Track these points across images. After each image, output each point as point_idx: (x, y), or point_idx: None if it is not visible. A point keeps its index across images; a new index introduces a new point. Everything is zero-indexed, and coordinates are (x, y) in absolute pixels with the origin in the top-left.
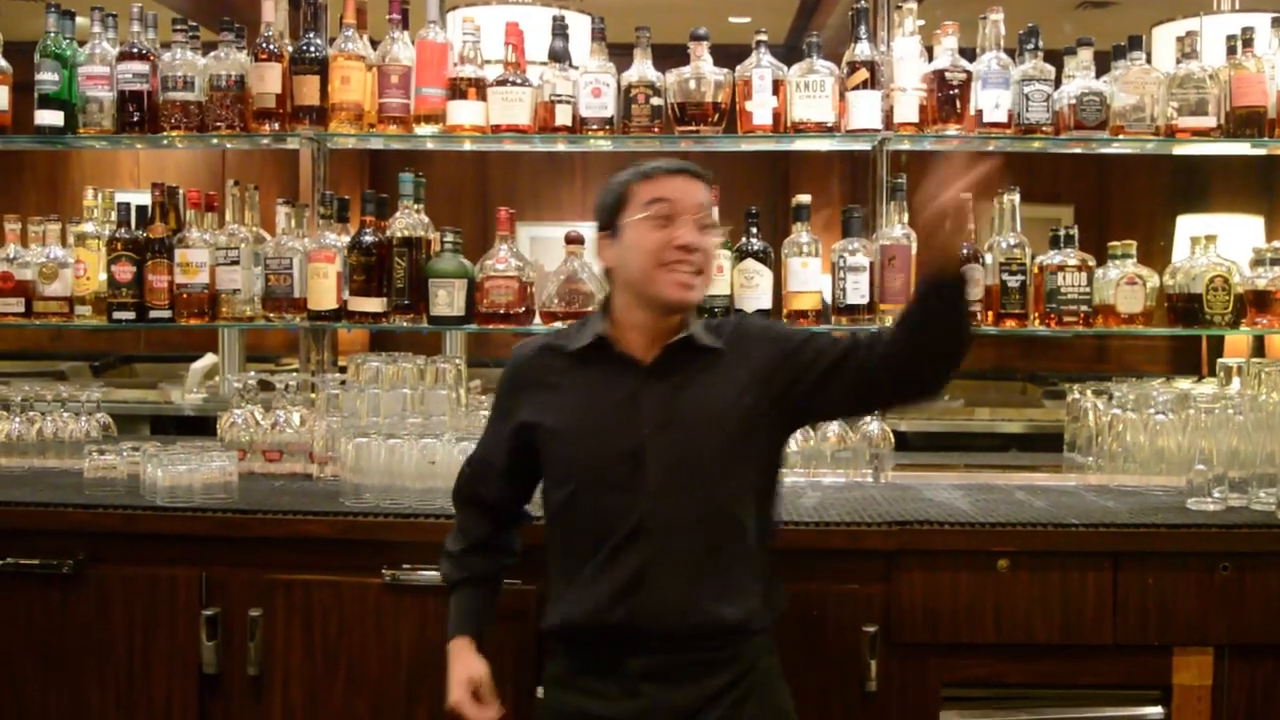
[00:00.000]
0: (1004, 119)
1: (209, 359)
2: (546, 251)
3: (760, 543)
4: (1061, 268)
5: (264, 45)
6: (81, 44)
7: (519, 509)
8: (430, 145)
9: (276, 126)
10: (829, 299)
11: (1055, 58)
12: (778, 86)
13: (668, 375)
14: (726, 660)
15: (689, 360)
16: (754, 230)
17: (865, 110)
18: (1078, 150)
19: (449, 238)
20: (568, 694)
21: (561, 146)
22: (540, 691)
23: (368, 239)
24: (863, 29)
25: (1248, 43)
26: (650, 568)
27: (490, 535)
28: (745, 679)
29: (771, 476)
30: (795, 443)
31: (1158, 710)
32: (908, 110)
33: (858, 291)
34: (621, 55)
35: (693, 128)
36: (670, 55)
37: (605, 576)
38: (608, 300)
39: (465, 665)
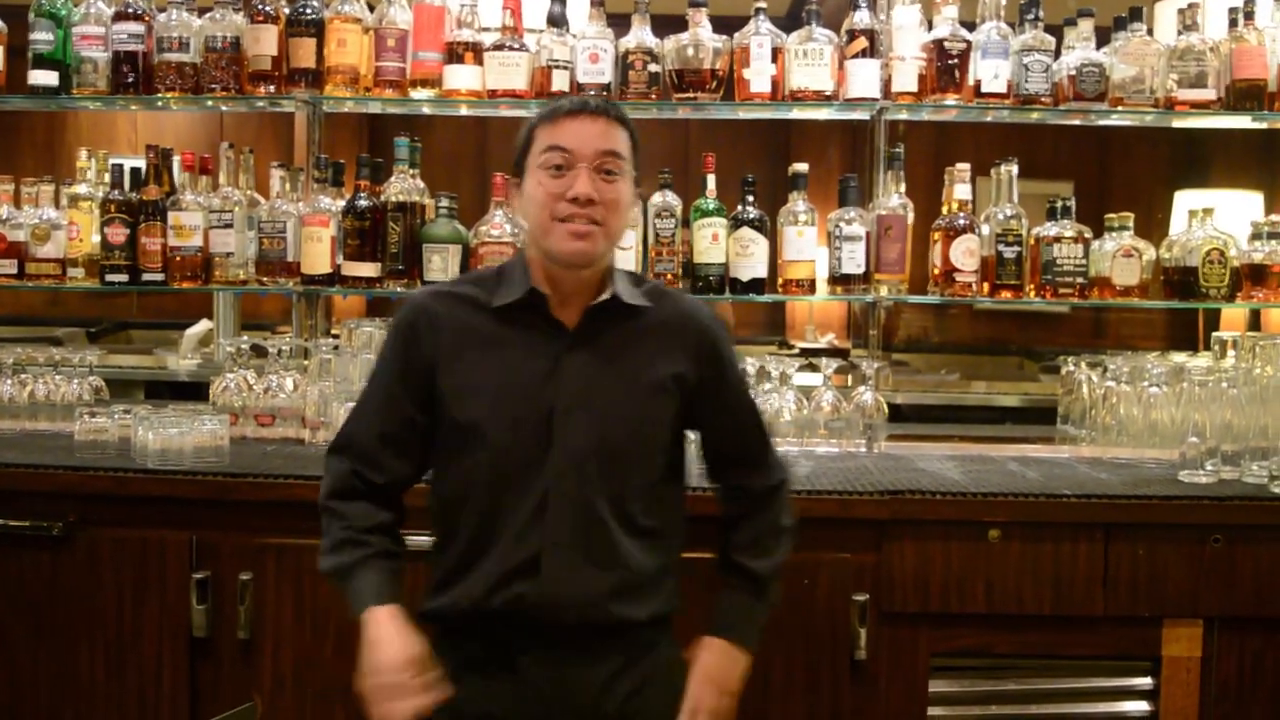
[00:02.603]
0: (1003, 89)
1: (204, 325)
2: None
3: (664, 534)
4: (1058, 239)
5: (260, 7)
6: (77, 4)
7: (402, 492)
8: (426, 110)
9: (272, 89)
10: (825, 269)
11: (1056, 29)
12: (776, 54)
13: (592, 343)
14: (618, 647)
15: (614, 323)
16: (750, 198)
17: (864, 79)
18: (1077, 123)
19: (444, 203)
20: (455, 688)
21: None
22: None
23: (362, 203)
24: None
25: (1249, 15)
26: (548, 552)
27: (386, 521)
28: (638, 665)
29: (677, 469)
30: (789, 412)
31: (1147, 681)
32: (906, 79)
33: (853, 261)
34: (620, 24)
35: (690, 95)
36: (670, 25)
37: (500, 559)
38: (523, 252)
39: (403, 642)
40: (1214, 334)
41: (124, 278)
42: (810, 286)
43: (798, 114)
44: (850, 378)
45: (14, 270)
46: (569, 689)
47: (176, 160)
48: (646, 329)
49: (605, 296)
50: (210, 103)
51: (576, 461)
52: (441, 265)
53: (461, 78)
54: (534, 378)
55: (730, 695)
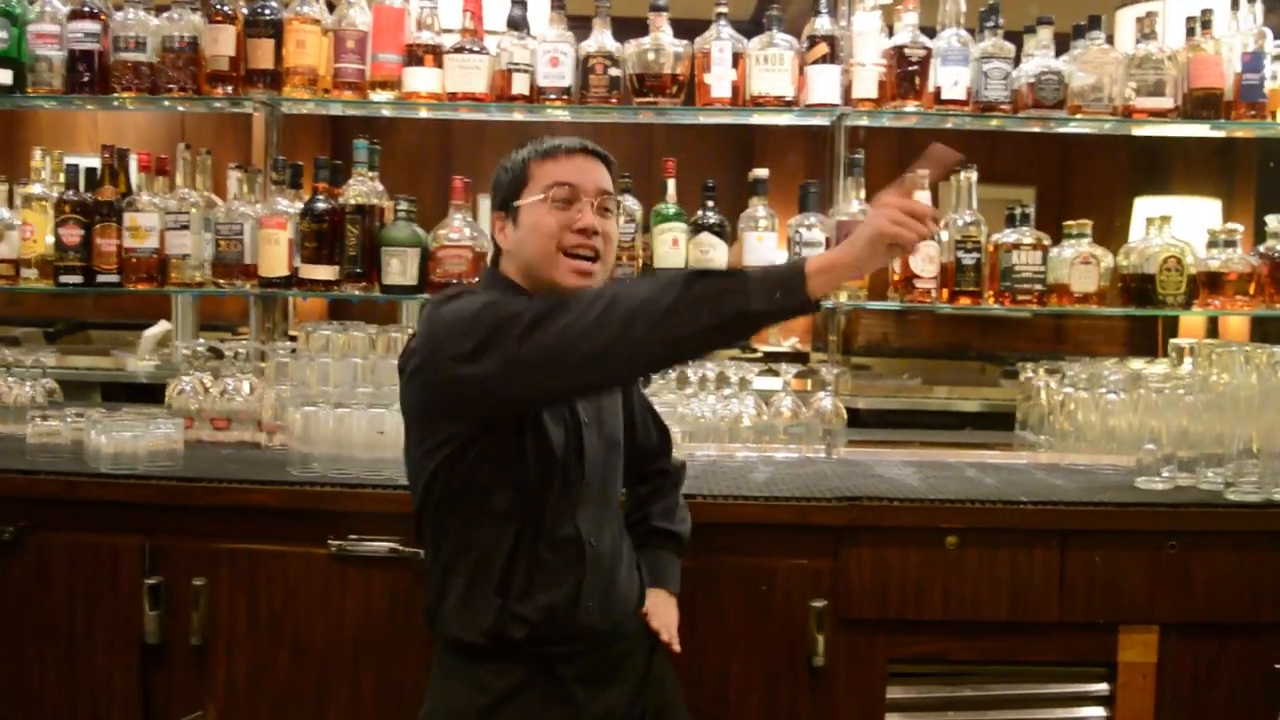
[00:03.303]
0: (962, 96)
1: (162, 326)
2: None
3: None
4: (1016, 246)
5: (218, 6)
6: (32, 2)
7: None
8: (386, 112)
9: (230, 90)
10: None
11: (1015, 37)
12: (737, 59)
13: None
14: (636, 650)
15: None
16: (710, 204)
17: (824, 85)
18: (1037, 129)
19: (403, 206)
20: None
21: (518, 115)
22: None
23: (320, 206)
24: (824, 3)
25: (1206, 24)
26: (588, 564)
27: None
28: (652, 665)
29: None
30: (748, 417)
31: (1103, 687)
32: (867, 86)
33: None
34: (581, 28)
35: (651, 99)
36: (631, 29)
37: (547, 577)
38: (504, 279)
39: None
40: (1171, 341)
41: (79, 279)
42: None
43: (758, 119)
44: (810, 383)
45: None
46: (611, 701)
47: (133, 160)
48: None
49: None
50: (167, 103)
51: (597, 475)
52: (400, 268)
53: (421, 80)
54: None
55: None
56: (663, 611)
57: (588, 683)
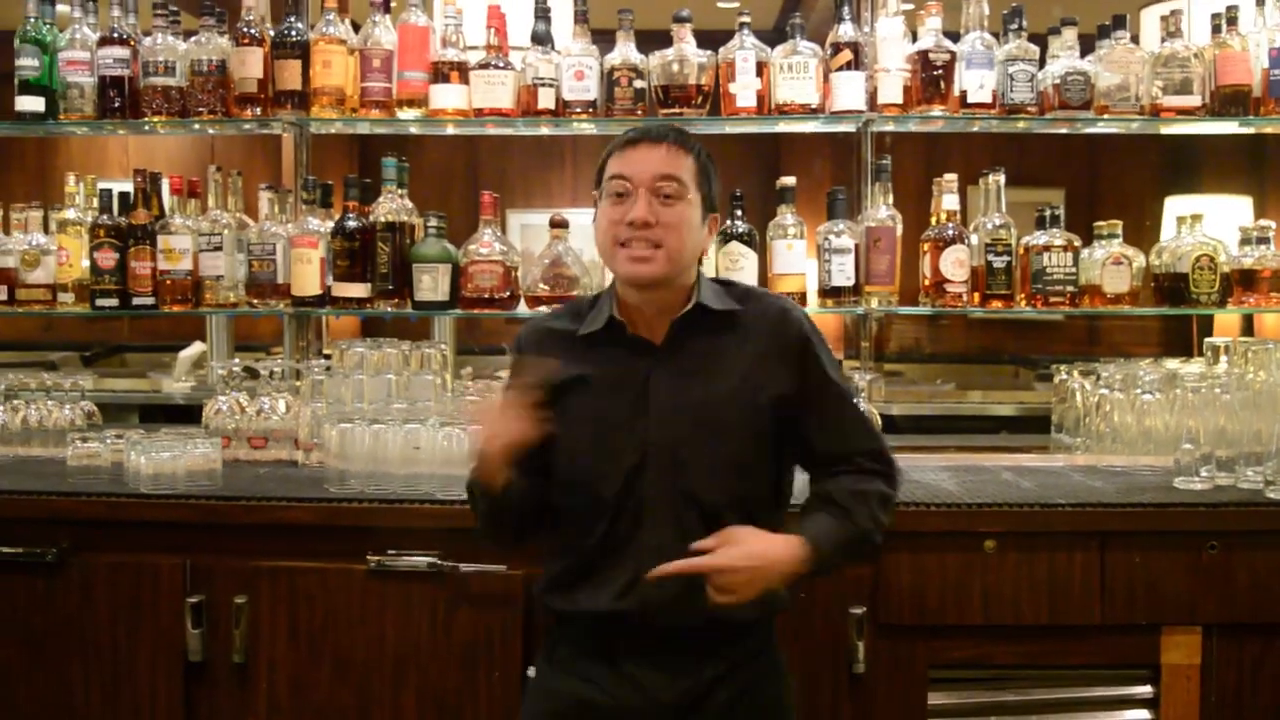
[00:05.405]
0: (988, 99)
1: (197, 347)
2: (535, 238)
3: None
4: (1047, 248)
5: (245, 29)
6: (62, 29)
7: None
8: (413, 129)
9: (258, 111)
10: (815, 281)
11: (1040, 39)
12: (761, 68)
13: (679, 354)
14: (722, 651)
15: (703, 334)
16: (739, 213)
17: (849, 91)
18: (1064, 131)
19: (433, 222)
20: (565, 678)
21: (544, 129)
22: (532, 671)
23: (351, 224)
24: (846, 10)
25: (1232, 21)
26: (651, 560)
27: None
28: (741, 670)
29: (779, 488)
30: None
31: (1147, 689)
32: (892, 91)
33: (843, 273)
34: (605, 41)
35: (676, 110)
36: (655, 41)
37: (611, 566)
38: (612, 286)
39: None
40: (1206, 340)
41: (114, 302)
42: (801, 300)
43: (784, 127)
44: None
45: (4, 296)
46: (674, 688)
47: (165, 184)
48: (739, 337)
49: (689, 307)
50: (197, 126)
51: (670, 472)
52: (431, 285)
53: (447, 97)
54: (626, 398)
55: (762, 569)
56: (749, 541)
57: (649, 666)
